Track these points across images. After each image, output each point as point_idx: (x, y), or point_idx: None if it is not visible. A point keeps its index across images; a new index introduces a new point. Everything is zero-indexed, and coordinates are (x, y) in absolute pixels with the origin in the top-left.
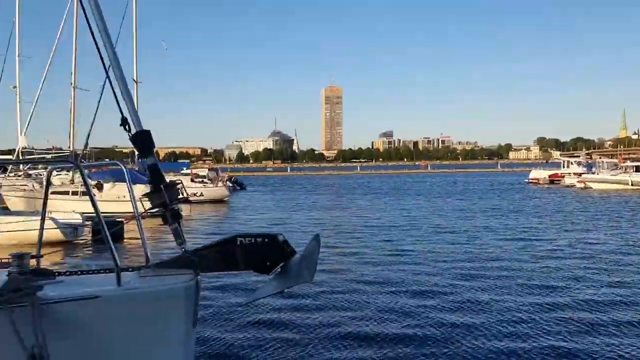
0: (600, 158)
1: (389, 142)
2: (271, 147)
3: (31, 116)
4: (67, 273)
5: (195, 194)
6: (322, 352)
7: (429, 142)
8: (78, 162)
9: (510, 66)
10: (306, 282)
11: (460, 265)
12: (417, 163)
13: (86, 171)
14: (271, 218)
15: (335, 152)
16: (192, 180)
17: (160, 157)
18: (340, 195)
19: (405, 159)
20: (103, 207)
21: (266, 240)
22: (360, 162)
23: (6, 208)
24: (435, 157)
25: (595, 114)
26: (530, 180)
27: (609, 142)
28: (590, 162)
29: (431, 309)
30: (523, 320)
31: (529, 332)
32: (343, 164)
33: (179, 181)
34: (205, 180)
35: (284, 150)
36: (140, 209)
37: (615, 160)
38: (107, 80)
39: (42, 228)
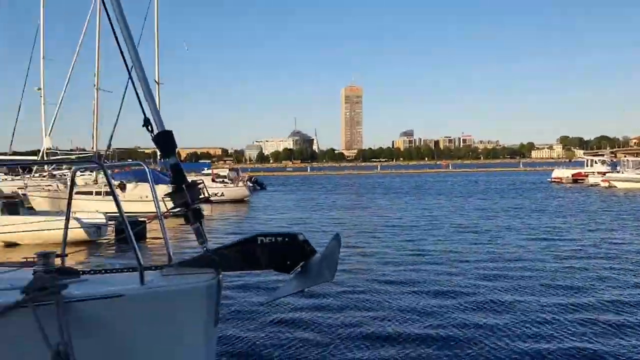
0: (625, 156)
1: (410, 142)
2: (291, 147)
3: (55, 117)
4: (91, 272)
5: (216, 194)
6: (343, 351)
7: (450, 141)
8: (102, 162)
9: (526, 65)
10: (327, 281)
11: (483, 266)
12: (438, 162)
13: (109, 171)
14: (291, 218)
15: (355, 151)
16: (213, 180)
17: (182, 158)
18: (360, 194)
19: (426, 158)
20: (126, 207)
21: (286, 239)
22: (380, 161)
23: (31, 208)
24: (457, 156)
25: (621, 113)
26: (553, 180)
27: (634, 140)
28: (614, 160)
29: (453, 310)
30: (547, 321)
31: (554, 333)
32: (363, 164)
33: (201, 181)
34: (226, 180)
35: (303, 150)
36: (163, 209)
37: None
38: (129, 81)
39: (66, 227)
